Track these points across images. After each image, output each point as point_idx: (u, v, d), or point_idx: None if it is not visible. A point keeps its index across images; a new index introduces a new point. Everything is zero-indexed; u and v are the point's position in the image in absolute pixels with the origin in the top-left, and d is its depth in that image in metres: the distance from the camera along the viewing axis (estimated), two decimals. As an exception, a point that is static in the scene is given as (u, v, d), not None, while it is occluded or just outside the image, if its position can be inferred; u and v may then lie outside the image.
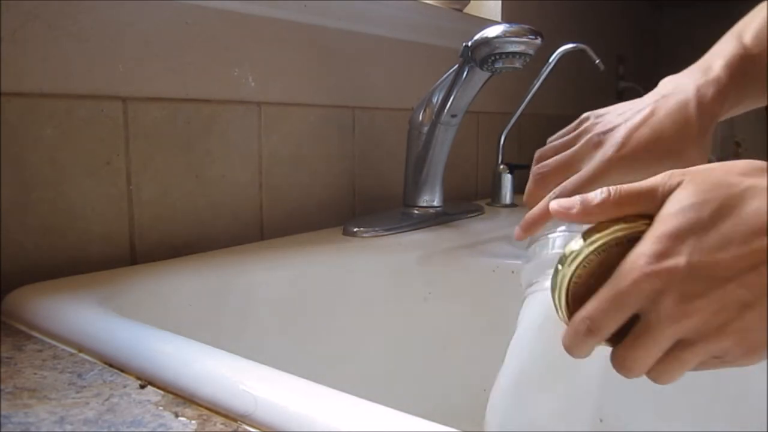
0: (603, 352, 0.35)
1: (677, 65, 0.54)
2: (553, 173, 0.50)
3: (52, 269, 0.53)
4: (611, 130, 0.48)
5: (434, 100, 0.75)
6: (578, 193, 0.47)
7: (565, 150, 0.51)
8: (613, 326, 0.33)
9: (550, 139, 0.54)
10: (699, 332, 0.31)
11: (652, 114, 0.48)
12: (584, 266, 0.34)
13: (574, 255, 0.34)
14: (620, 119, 0.49)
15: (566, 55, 0.96)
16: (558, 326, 0.36)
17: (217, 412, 0.31)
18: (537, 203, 0.49)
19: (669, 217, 0.32)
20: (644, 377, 0.34)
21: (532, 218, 0.46)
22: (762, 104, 0.52)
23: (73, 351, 0.39)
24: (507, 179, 1.01)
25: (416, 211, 0.80)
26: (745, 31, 0.52)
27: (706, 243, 0.31)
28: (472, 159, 1.10)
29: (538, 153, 0.53)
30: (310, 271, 0.61)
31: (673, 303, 0.31)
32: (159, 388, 0.34)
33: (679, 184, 0.33)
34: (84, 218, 0.55)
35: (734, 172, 0.33)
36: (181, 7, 0.62)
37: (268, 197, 0.72)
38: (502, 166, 1.01)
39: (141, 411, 0.31)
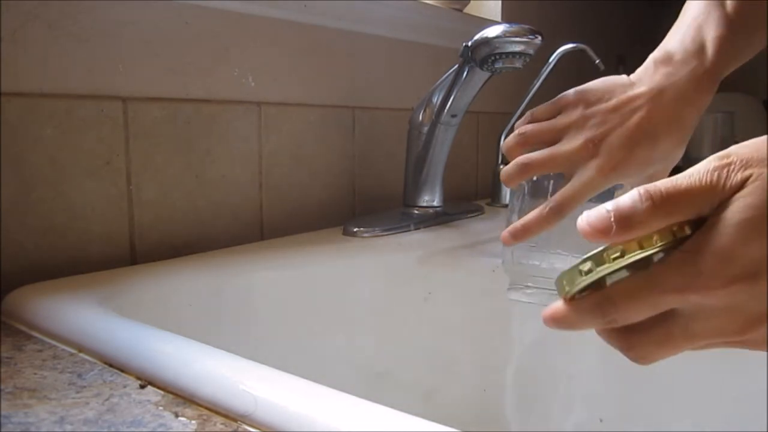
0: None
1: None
2: (537, 136, 0.50)
3: (52, 269, 0.53)
4: (606, 135, 0.47)
5: (434, 100, 0.75)
6: (571, 206, 0.46)
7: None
8: (636, 320, 0.30)
9: (531, 111, 0.52)
10: (741, 341, 0.29)
11: (648, 118, 0.47)
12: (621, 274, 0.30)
13: (610, 271, 0.29)
14: (614, 117, 0.47)
15: (566, 55, 0.96)
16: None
17: (217, 412, 0.31)
18: (514, 158, 0.49)
19: (743, 230, 0.27)
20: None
21: (525, 228, 0.46)
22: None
23: (73, 351, 0.39)
24: (507, 179, 1.00)
25: (416, 211, 0.80)
26: None
27: None
28: (472, 159, 1.10)
29: (530, 114, 0.52)
30: (310, 271, 0.61)
31: (737, 326, 0.28)
32: (159, 388, 0.34)
33: (744, 184, 0.28)
34: (84, 218, 0.55)
35: None
36: (181, 7, 0.62)
37: (268, 197, 0.72)
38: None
39: (141, 411, 0.31)
